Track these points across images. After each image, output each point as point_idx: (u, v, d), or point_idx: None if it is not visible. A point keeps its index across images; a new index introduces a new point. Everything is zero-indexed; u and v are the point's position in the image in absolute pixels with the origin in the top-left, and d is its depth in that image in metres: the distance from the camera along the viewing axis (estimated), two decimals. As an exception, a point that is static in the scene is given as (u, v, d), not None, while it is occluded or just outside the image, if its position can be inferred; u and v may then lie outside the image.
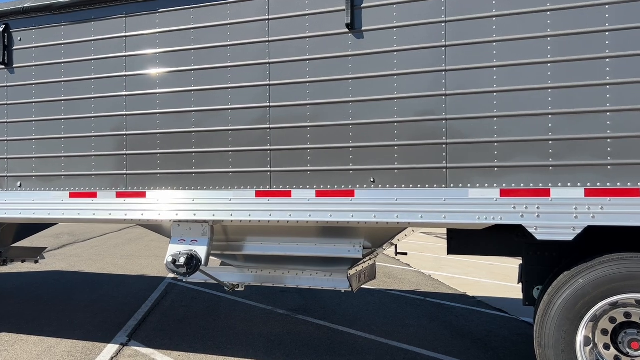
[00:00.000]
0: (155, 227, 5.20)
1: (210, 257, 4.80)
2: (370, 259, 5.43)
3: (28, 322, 6.59)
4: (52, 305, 7.53)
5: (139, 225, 5.11)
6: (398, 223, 3.94)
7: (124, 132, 4.73)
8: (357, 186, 4.02)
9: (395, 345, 5.63)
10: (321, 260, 4.95)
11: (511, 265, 11.29)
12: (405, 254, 5.71)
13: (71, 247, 15.39)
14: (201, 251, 4.59)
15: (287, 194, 4.22)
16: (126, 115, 4.73)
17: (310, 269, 5.03)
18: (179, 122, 4.55)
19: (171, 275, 10.09)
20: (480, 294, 8.36)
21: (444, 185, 3.79)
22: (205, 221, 4.60)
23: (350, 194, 4.04)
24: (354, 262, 4.88)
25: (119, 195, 4.74)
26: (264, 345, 5.66)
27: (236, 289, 5.35)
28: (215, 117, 4.45)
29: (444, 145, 3.79)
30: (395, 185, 3.91)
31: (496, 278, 9.79)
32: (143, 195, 4.67)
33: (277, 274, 5.08)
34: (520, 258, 4.33)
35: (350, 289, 4.90)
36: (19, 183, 5.13)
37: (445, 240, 16.51)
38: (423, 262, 11.55)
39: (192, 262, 4.54)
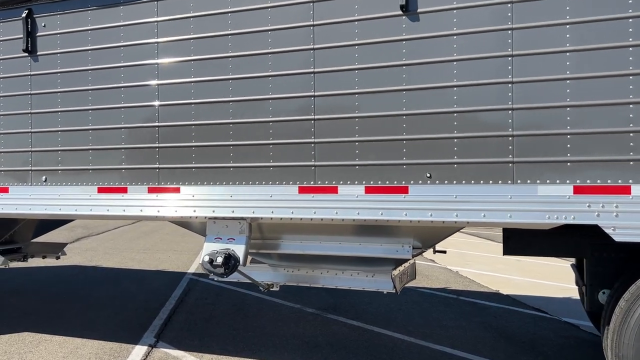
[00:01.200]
0: (186, 224, 4.92)
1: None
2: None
3: (50, 320, 6.37)
4: (73, 302, 7.31)
5: (170, 222, 4.86)
6: (456, 222, 3.64)
7: (157, 124, 4.45)
8: (412, 182, 3.72)
9: (437, 348, 5.35)
10: (359, 260, 4.66)
11: (541, 261, 10.97)
12: (444, 252, 5.41)
13: (86, 240, 15.22)
14: (239, 250, 4.31)
15: (333, 190, 3.93)
16: (159, 105, 4.44)
17: (350, 269, 4.74)
18: (216, 113, 4.26)
19: (191, 270, 9.87)
20: (513, 292, 8.05)
21: (509, 182, 3.48)
22: (243, 218, 4.32)
23: (404, 190, 3.74)
24: (398, 262, 4.59)
25: (151, 190, 4.47)
26: (298, 347, 5.40)
27: (271, 289, 5.08)
28: (254, 108, 4.15)
29: (510, 138, 3.47)
30: (455, 181, 3.61)
31: (527, 275, 9.47)
32: (177, 190, 4.39)
33: (314, 274, 4.79)
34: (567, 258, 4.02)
35: (394, 291, 4.61)
36: (44, 177, 4.87)
37: (469, 236, 16.20)
38: (448, 258, 11.25)
39: (230, 262, 4.26)
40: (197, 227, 4.84)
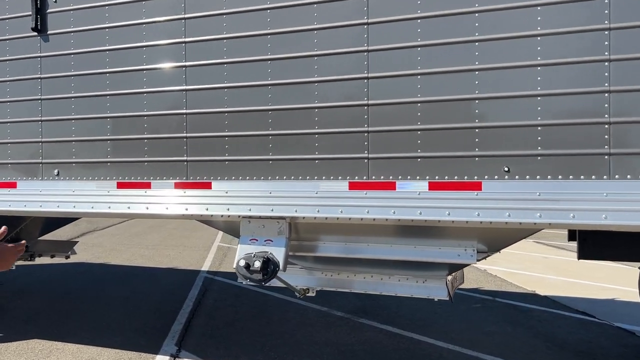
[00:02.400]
0: (213, 223, 4.42)
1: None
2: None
3: (60, 325, 5.89)
4: (83, 304, 6.84)
5: (197, 220, 4.37)
6: (535, 224, 3.15)
7: (184, 111, 3.94)
8: (486, 177, 3.22)
9: (487, 359, 4.87)
10: (404, 263, 4.18)
11: (567, 258, 10.48)
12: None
13: (91, 235, 14.76)
14: (278, 254, 3.82)
15: (390, 186, 3.43)
16: (186, 90, 3.94)
17: (397, 274, 4.26)
18: (253, 98, 3.76)
19: (205, 268, 9.39)
20: (551, 292, 7.57)
21: (605, 177, 2.98)
22: (282, 218, 3.83)
23: (476, 186, 3.24)
24: (453, 267, 4.10)
25: (178, 185, 3.97)
26: (335, 357, 4.92)
27: (307, 295, 4.59)
28: (297, 92, 3.65)
29: (606, 126, 2.97)
30: (538, 177, 3.11)
31: (560, 273, 8.99)
32: (208, 186, 3.89)
33: (356, 279, 4.30)
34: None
35: (447, 298, 4.13)
36: (56, 171, 4.37)
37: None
38: (471, 255, 10.74)
39: (269, 267, 3.77)
40: (226, 227, 4.35)
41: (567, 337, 5.51)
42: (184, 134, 3.95)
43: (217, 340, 5.42)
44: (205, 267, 9.55)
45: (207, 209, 3.89)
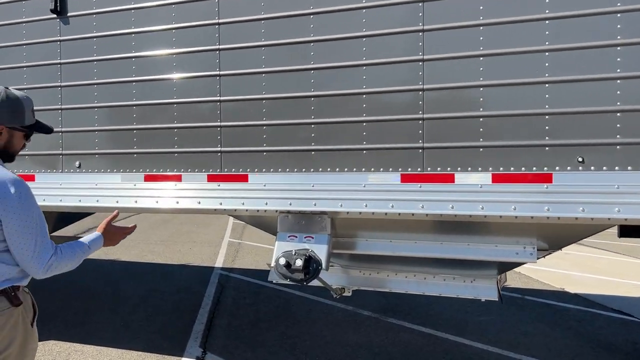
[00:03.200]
0: (242, 218, 4.15)
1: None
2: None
3: (77, 325, 5.63)
4: (98, 303, 6.57)
5: (230, 215, 4.10)
6: (610, 219, 2.88)
7: (218, 98, 3.66)
8: (557, 168, 2.95)
9: (531, 361, 4.62)
10: (451, 261, 3.91)
11: (589, 254, 10.22)
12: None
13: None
14: (320, 251, 3.55)
15: (448, 179, 3.16)
16: (220, 75, 3.66)
17: (442, 273, 3.99)
18: (294, 84, 3.48)
19: (218, 265, 9.12)
20: (580, 290, 7.31)
21: (694, 168, 2.71)
22: (324, 213, 3.56)
23: (546, 178, 2.97)
24: (505, 266, 3.83)
25: (211, 178, 3.70)
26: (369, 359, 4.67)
27: (343, 295, 4.33)
28: (343, 76, 3.37)
29: (696, 111, 2.70)
30: (617, 167, 2.83)
31: (585, 270, 8.73)
32: (244, 179, 3.62)
33: (397, 278, 4.04)
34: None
35: (496, 299, 3.87)
36: (77, 163, 4.09)
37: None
38: (490, 251, 10.48)
39: (311, 266, 3.51)
40: (258, 222, 4.08)
41: (611, 338, 5.25)
42: (218, 123, 3.67)
43: (243, 341, 5.16)
44: (219, 263, 9.29)
45: (243, 204, 3.61)
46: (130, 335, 5.32)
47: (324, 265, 3.53)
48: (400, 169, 3.25)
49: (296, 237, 3.64)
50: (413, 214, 3.24)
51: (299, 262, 3.47)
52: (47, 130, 2.41)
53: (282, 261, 3.52)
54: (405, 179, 3.25)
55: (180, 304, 6.49)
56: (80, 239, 2.31)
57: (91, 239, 2.33)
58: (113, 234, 2.42)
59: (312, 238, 3.61)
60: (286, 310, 6.20)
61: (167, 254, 10.39)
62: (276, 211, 3.70)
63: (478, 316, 5.92)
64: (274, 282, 4.12)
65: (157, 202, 3.83)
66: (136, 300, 6.71)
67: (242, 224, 14.78)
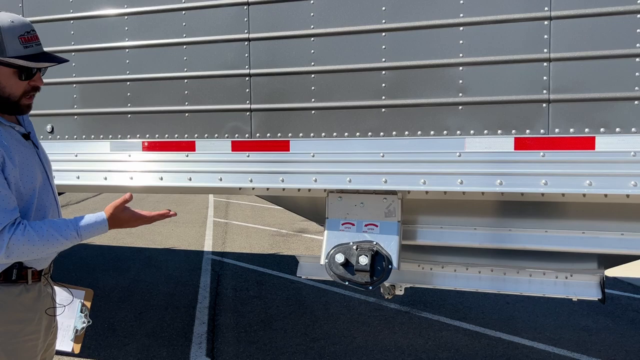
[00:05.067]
0: (280, 198, 3.20)
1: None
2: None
3: (50, 329, 4.61)
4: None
5: (258, 195, 3.14)
6: None
7: (246, 35, 2.66)
8: None
9: (613, 368, 3.85)
10: (540, 253, 3.09)
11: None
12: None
13: (65, 210, 13.22)
14: (389, 244, 2.64)
15: (587, 144, 2.27)
16: (249, 3, 2.65)
17: (529, 267, 3.15)
18: (356, 15, 2.51)
19: (208, 248, 8.12)
20: (618, 274, 6.62)
21: None
22: (393, 192, 2.64)
23: None
24: (611, 260, 3.02)
25: (237, 146, 2.72)
26: (420, 370, 3.83)
27: (395, 294, 3.44)
28: (426, 4, 2.42)
29: None
30: None
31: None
32: (284, 146, 2.65)
33: (467, 274, 3.16)
34: None
35: (599, 299, 3.06)
36: (49, 127, 3.05)
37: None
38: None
39: (380, 264, 2.59)
40: (297, 205, 3.14)
41: (685, 333, 4.54)
42: (247, 71, 2.68)
43: (258, 346, 4.25)
44: (208, 247, 8.29)
45: (282, 180, 2.65)
46: (117, 341, 4.36)
47: (395, 263, 2.62)
48: (514, 132, 2.34)
49: (353, 225, 2.72)
50: (542, 194, 2.35)
51: (364, 260, 2.56)
52: (56, 60, 1.80)
53: (340, 258, 2.60)
54: (520, 144, 2.34)
55: (173, 299, 5.53)
56: (69, 219, 1.74)
57: (88, 221, 1.74)
58: (125, 220, 1.83)
59: (376, 227, 2.70)
60: (299, 304, 5.30)
61: (147, 236, 9.33)
62: (324, 190, 2.77)
63: (522, 309, 5.14)
64: (302, 277, 3.23)
65: (161, 178, 2.83)
66: (119, 293, 5.71)
67: (224, 202, 13.76)
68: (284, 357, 4.05)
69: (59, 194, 5.10)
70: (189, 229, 9.94)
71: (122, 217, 1.80)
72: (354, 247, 2.62)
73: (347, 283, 2.64)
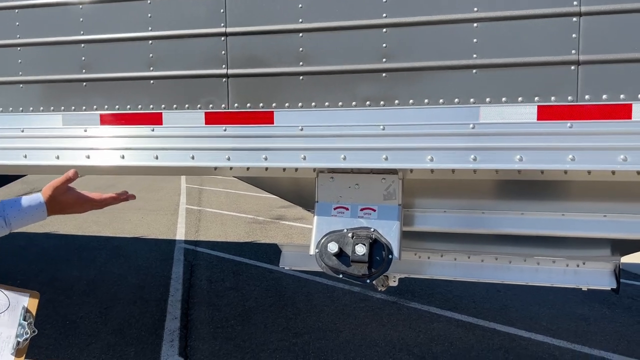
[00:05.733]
0: (260, 180, 2.83)
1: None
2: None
3: (4, 328, 4.16)
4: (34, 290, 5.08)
5: (239, 179, 2.77)
6: None
7: (223, -14, 2.27)
8: None
9: (614, 359, 3.62)
10: (551, 239, 2.81)
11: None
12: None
13: (29, 198, 12.55)
14: (388, 231, 2.30)
15: (620, 113, 1.95)
16: (225, -52, 2.25)
17: (537, 254, 2.87)
18: (355, -40, 2.13)
19: (180, 237, 7.69)
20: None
21: None
22: (394, 171, 2.30)
23: None
24: (630, 245, 2.75)
25: (212, 119, 2.33)
26: (414, 367, 3.53)
27: (388, 285, 3.11)
28: (439, -52, 2.06)
29: None
30: None
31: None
32: (267, 118, 2.27)
33: (469, 263, 2.86)
34: None
35: (614, 288, 2.79)
36: (-11, 98, 2.60)
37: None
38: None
39: (379, 254, 2.25)
40: (279, 187, 2.78)
41: (685, 320, 4.35)
42: (222, 29, 2.28)
43: (236, 343, 3.90)
44: (180, 235, 7.87)
45: (265, 158, 2.28)
46: (80, 339, 3.95)
47: (395, 253, 2.28)
48: (537, 99, 2.01)
49: (347, 209, 2.37)
50: (566, 171, 2.03)
51: (361, 250, 2.21)
52: None
53: (333, 248, 2.25)
54: (544, 113, 2.01)
55: (143, 291, 5.12)
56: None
57: (19, 206, 1.38)
58: (69, 204, 1.45)
59: (374, 211, 2.35)
60: (280, 296, 4.95)
61: (115, 224, 8.85)
62: (314, 170, 2.41)
63: (514, 297, 4.89)
64: (286, 268, 2.88)
65: (122, 157, 2.43)
66: (83, 286, 5.27)
67: (197, 188, 13.28)
68: (265, 355, 3.70)
69: (4, 176, 4.59)
70: (160, 217, 9.49)
71: (64, 200, 1.41)
72: (349, 234, 2.27)
73: (341, 276, 2.29)
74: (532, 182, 2.46)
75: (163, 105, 2.38)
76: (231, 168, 2.43)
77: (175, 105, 2.37)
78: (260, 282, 5.35)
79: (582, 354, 3.69)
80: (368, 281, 2.28)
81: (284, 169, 2.41)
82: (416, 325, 4.23)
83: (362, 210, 2.36)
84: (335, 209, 2.38)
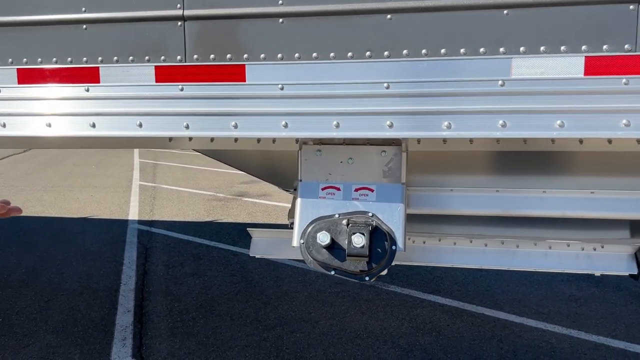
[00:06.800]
0: (224, 153, 2.33)
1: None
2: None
3: None
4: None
5: (199, 152, 2.27)
6: None
7: None
8: None
9: (615, 344, 3.34)
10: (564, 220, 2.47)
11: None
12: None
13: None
14: (391, 216, 1.86)
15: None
16: None
17: (549, 237, 2.53)
18: None
19: (133, 217, 7.07)
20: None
21: None
22: (396, 142, 1.85)
23: None
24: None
25: (164, 75, 1.80)
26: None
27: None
28: None
29: None
30: None
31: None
32: (237, 75, 1.77)
33: (470, 248, 2.48)
34: None
35: (634, 275, 2.47)
36: None
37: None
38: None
39: (382, 245, 1.81)
40: (246, 162, 2.31)
41: (676, 298, 4.14)
42: (177, -46, 1.74)
43: (198, 339, 3.42)
44: (133, 215, 7.24)
45: (235, 125, 1.77)
46: (13, 342, 3.39)
47: (400, 243, 1.85)
48: (584, 47, 1.58)
49: (339, 189, 1.92)
50: (610, 140, 1.63)
51: (359, 240, 1.76)
52: None
53: (324, 238, 1.79)
54: (591, 67, 1.59)
55: (90, 280, 4.55)
56: None
57: None
58: None
59: (371, 192, 1.90)
60: (246, 282, 4.49)
61: (61, 204, 8.12)
62: (296, 141, 1.93)
63: (498, 277, 4.58)
64: (257, 256, 2.43)
65: (49, 124, 1.88)
66: (22, 276, 4.66)
67: (151, 163, 12.54)
68: (233, 354, 3.25)
69: None
70: (112, 195, 8.79)
71: None
72: (343, 221, 1.81)
73: (333, 273, 1.84)
74: (556, 154, 2.07)
75: (100, 58, 1.84)
76: (191, 139, 1.94)
77: (116, 58, 1.83)
78: (224, 267, 4.86)
79: (580, 340, 3.40)
80: (367, 279, 1.84)
81: (259, 140, 1.92)
82: (398, 312, 3.86)
83: (357, 190, 1.91)
84: (323, 189, 1.92)
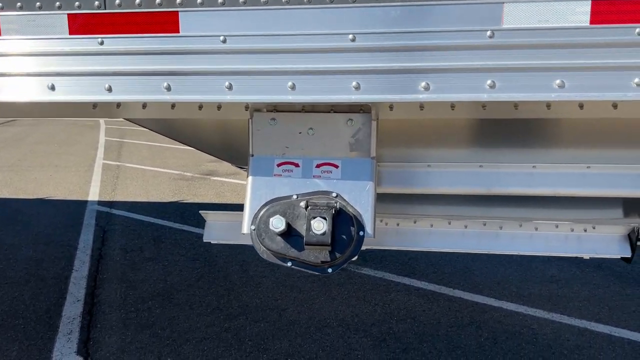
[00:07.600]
0: (166, 124, 2.01)
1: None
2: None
3: None
4: None
5: (140, 124, 1.94)
6: None
7: None
8: None
9: (599, 329, 3.15)
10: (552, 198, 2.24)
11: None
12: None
13: None
14: (359, 197, 1.57)
15: None
16: None
17: (536, 217, 2.31)
18: None
19: (92, 197, 6.67)
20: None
21: None
22: (366, 108, 1.55)
23: None
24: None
25: (79, 25, 1.45)
26: (375, 353, 2.90)
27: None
28: None
29: None
30: None
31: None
32: (169, 24, 1.44)
33: (449, 230, 2.22)
34: None
35: (628, 256, 2.25)
36: None
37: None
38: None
39: (347, 231, 1.52)
40: (197, 136, 2.00)
41: (659, 278, 3.98)
42: None
43: (154, 333, 3.12)
44: (94, 195, 6.83)
45: (168, 87, 1.45)
46: (-56, 340, 3.04)
47: (369, 228, 1.56)
48: (592, -9, 1.29)
49: (297, 165, 1.62)
50: (616, 105, 1.36)
51: (319, 226, 1.47)
52: None
53: (278, 224, 1.49)
54: (599, 13, 1.30)
55: (40, 267, 4.19)
56: None
57: None
58: None
59: (336, 167, 1.61)
60: (210, 267, 4.19)
61: (17, 184, 7.65)
62: (246, 108, 1.61)
63: (475, 257, 4.37)
64: (212, 242, 2.14)
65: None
66: (-37, 264, 4.28)
67: (117, 141, 12.03)
68: (189, 347, 2.96)
69: None
70: (72, 174, 8.34)
71: None
72: (301, 203, 1.52)
73: (290, 264, 1.56)
74: (549, 123, 1.80)
75: (0, 5, 1.48)
76: (119, 105, 1.60)
77: (19, 4, 1.48)
78: (186, 251, 4.54)
79: (563, 325, 3.21)
80: (330, 270, 1.56)
81: (200, 106, 1.60)
82: (371, 297, 3.61)
83: (318, 166, 1.61)
84: (279, 165, 1.62)
